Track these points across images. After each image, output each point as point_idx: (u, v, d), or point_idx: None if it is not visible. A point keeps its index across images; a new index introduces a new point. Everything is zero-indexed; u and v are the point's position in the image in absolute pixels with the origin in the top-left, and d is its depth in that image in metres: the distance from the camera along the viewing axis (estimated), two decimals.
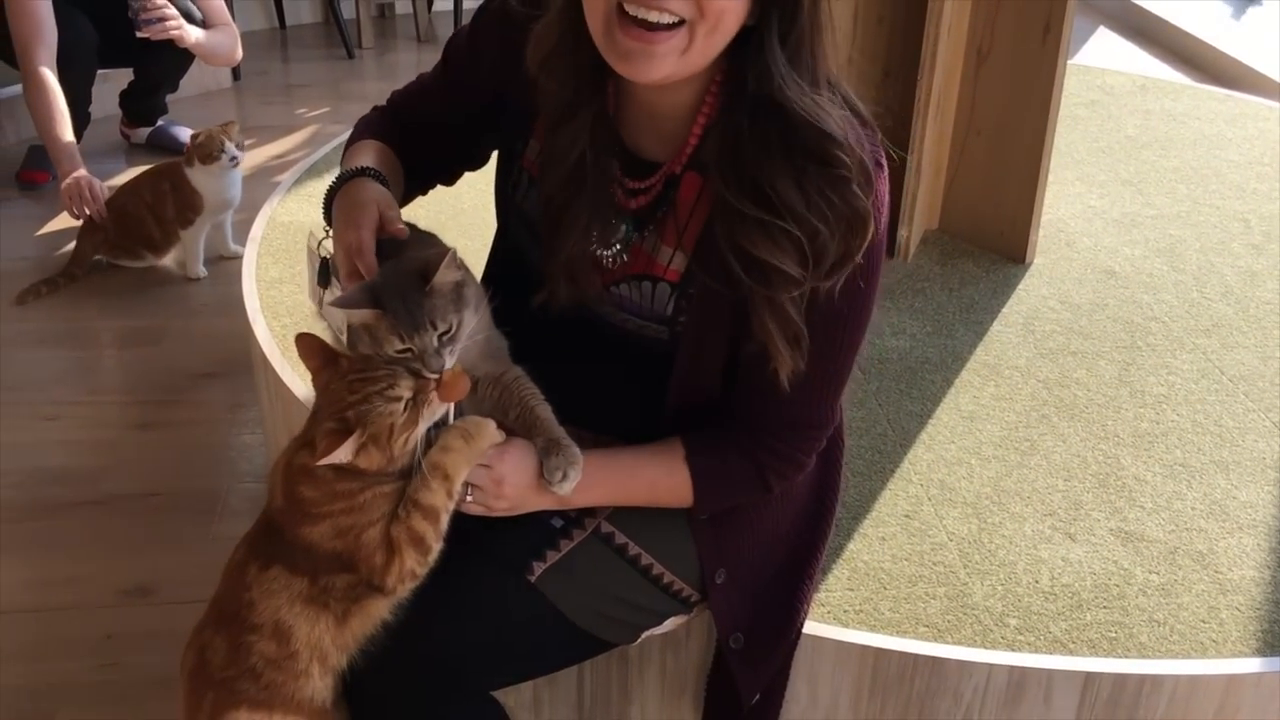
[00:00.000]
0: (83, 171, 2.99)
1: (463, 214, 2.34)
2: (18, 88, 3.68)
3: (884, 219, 1.24)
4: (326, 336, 1.49)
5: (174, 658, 1.90)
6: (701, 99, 1.23)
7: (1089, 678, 1.48)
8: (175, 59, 3.51)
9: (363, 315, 1.18)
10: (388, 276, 1.19)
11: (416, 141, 1.46)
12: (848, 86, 1.23)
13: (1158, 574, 1.64)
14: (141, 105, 3.78)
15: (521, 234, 1.40)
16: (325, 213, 1.36)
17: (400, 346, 1.16)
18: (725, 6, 1.11)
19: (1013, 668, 1.49)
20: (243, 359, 2.73)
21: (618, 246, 1.30)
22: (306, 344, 1.20)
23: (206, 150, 2.92)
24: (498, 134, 1.42)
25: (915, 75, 2.30)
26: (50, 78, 3.04)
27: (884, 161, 1.24)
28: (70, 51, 3.17)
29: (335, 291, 1.47)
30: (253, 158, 3.85)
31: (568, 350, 1.36)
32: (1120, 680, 1.47)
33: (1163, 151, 3.06)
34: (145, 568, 2.14)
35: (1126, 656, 1.51)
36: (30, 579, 2.11)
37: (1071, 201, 2.75)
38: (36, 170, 3.58)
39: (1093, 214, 2.70)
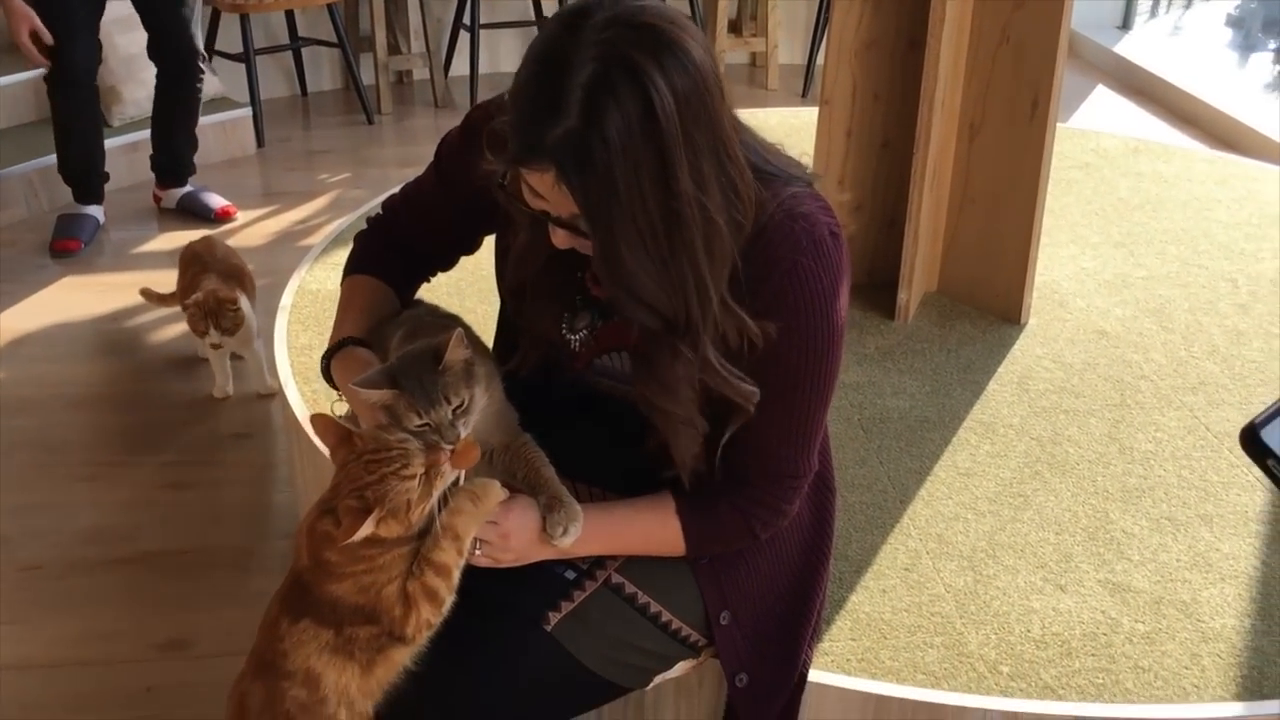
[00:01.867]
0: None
1: (481, 280, 2.46)
2: (49, 159, 3.89)
3: (843, 283, 1.32)
4: None
5: (211, 708, 2.01)
6: None
7: None
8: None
9: (382, 395, 1.29)
10: (404, 360, 1.32)
11: (415, 241, 1.57)
12: (777, 154, 1.32)
13: (1143, 623, 1.74)
14: (169, 159, 3.93)
15: (514, 308, 1.49)
16: (325, 378, 1.52)
17: (419, 421, 1.28)
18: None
19: (1006, 713, 1.58)
20: (270, 421, 2.85)
21: (584, 332, 1.42)
22: (322, 424, 1.31)
23: (194, 325, 2.76)
24: (491, 221, 1.50)
25: (912, 147, 2.43)
26: None
27: (838, 230, 1.31)
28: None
29: None
30: (277, 224, 4.00)
31: (572, 413, 1.46)
32: None
33: (1154, 213, 3.17)
34: (182, 622, 2.23)
35: (1113, 701, 1.60)
36: (72, 634, 2.21)
37: (1065, 263, 2.87)
38: (68, 239, 3.75)
39: (1085, 275, 2.82)
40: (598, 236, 1.18)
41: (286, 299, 2.60)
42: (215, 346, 2.78)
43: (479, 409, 1.32)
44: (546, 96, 1.14)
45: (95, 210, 3.88)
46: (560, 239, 1.25)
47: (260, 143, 4.64)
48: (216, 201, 3.97)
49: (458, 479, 1.32)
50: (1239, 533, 1.94)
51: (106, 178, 3.84)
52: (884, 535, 1.92)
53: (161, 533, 2.49)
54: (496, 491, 1.32)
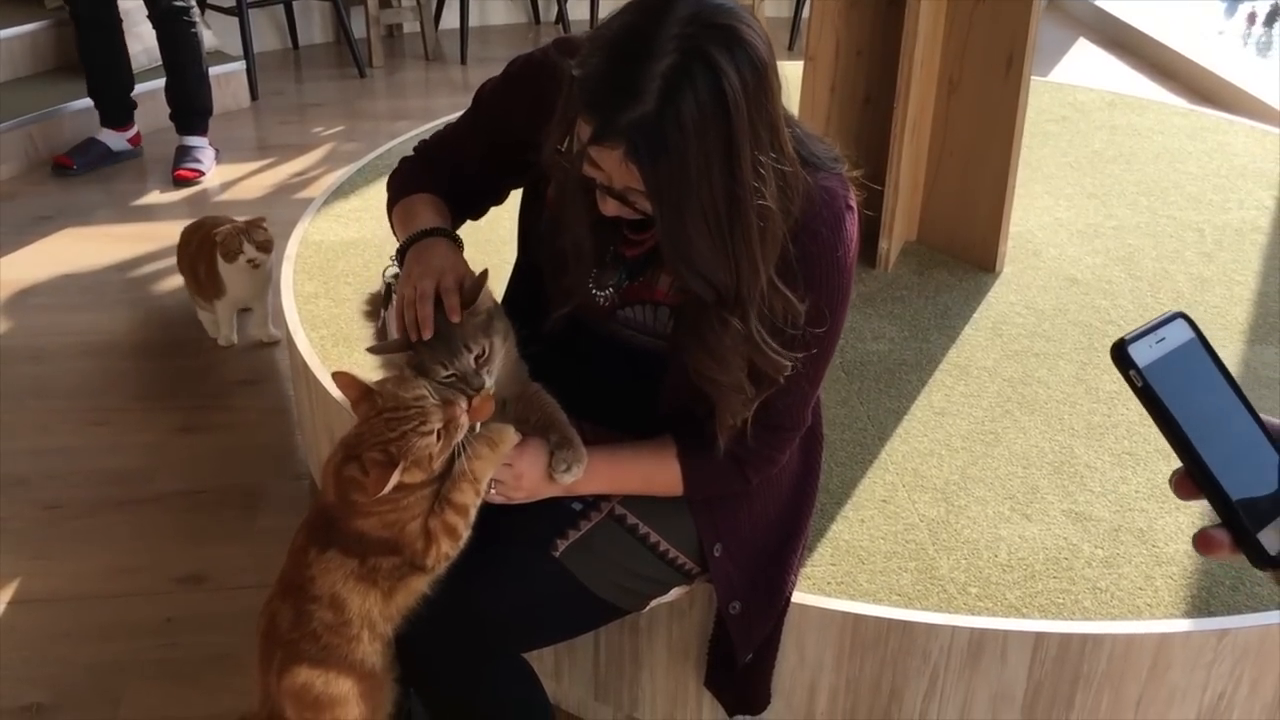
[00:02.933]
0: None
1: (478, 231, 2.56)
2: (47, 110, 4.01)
3: (853, 254, 1.43)
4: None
5: (228, 637, 2.15)
6: None
7: (1039, 637, 1.70)
8: None
9: (406, 355, 1.38)
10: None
11: (450, 186, 1.62)
12: (817, 142, 1.43)
13: (1102, 549, 1.87)
14: (171, 107, 4.02)
15: (544, 260, 1.58)
16: (399, 256, 1.52)
17: (445, 373, 1.36)
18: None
19: (973, 629, 1.71)
20: (277, 368, 2.96)
21: (610, 290, 1.50)
22: (344, 380, 1.39)
23: (227, 248, 2.83)
24: (524, 173, 1.58)
25: (893, 102, 2.53)
26: None
27: (853, 204, 1.44)
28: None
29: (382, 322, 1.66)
30: (273, 176, 4.08)
31: (584, 361, 1.56)
32: (1066, 639, 1.70)
33: (1127, 165, 3.28)
34: (197, 557, 2.35)
35: (1072, 619, 1.73)
36: (94, 569, 2.32)
37: (1039, 213, 2.98)
38: (63, 156, 3.97)
39: (1058, 225, 2.93)
40: (665, 214, 1.27)
41: (291, 248, 2.69)
42: (252, 263, 2.82)
43: (500, 358, 1.40)
44: (626, 80, 1.21)
45: (108, 135, 4.01)
46: (610, 207, 1.34)
47: (254, 96, 4.70)
48: (186, 163, 4.00)
49: (475, 425, 1.41)
50: None
51: (123, 108, 4.01)
52: (863, 470, 2.05)
53: (175, 474, 2.59)
54: (511, 436, 1.41)
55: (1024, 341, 2.43)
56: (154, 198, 3.90)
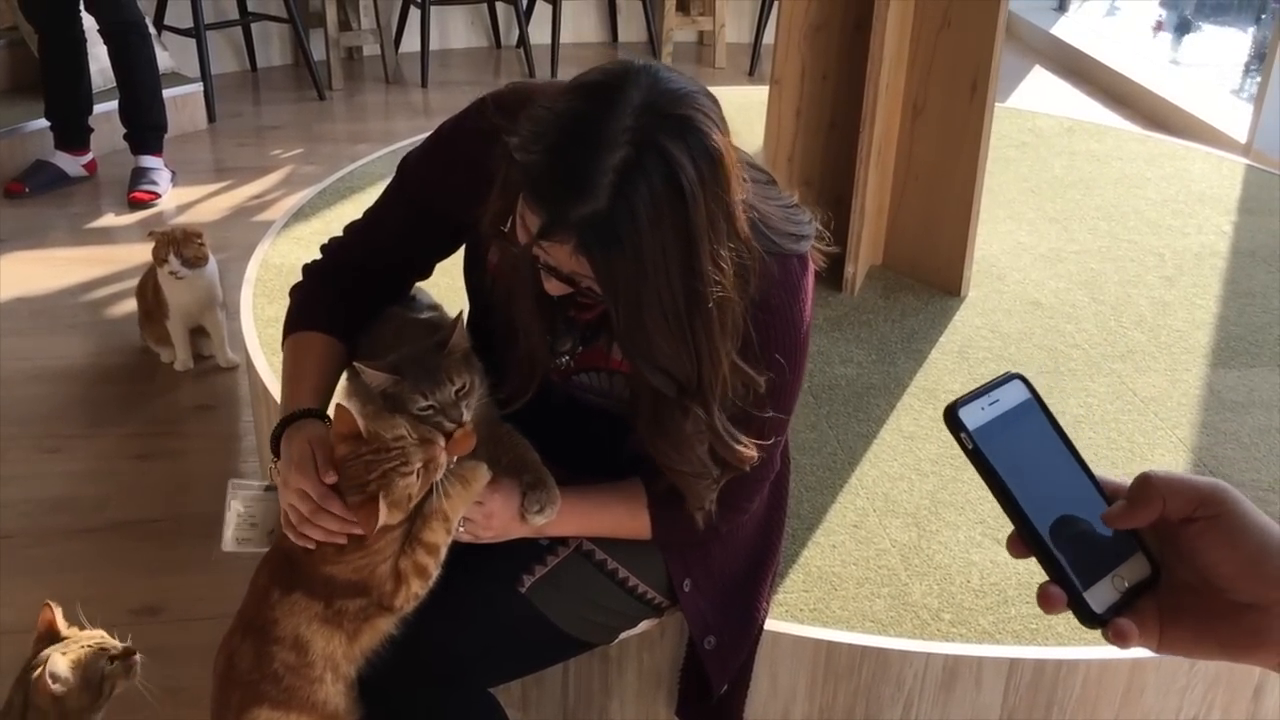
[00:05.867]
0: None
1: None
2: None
3: (809, 306, 1.41)
4: None
5: (185, 670, 2.08)
6: None
7: (1013, 664, 1.69)
8: None
9: (386, 380, 1.35)
10: (404, 354, 1.38)
11: (380, 271, 1.56)
12: (778, 214, 1.36)
13: None
14: (125, 125, 3.96)
15: (494, 329, 1.49)
16: (273, 446, 1.45)
17: (423, 404, 1.33)
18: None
19: (947, 656, 1.69)
20: (235, 393, 2.90)
21: (566, 358, 1.45)
22: (343, 414, 1.35)
23: (156, 253, 2.77)
24: (453, 245, 1.54)
25: (858, 128, 2.53)
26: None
27: (809, 262, 1.40)
28: None
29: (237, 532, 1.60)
30: (230, 199, 4.02)
31: (545, 416, 1.49)
32: (1040, 665, 1.69)
33: (1087, 190, 3.31)
34: (152, 588, 2.29)
35: (1046, 645, 1.72)
36: (44, 600, 2.25)
37: (1003, 238, 2.99)
38: (13, 181, 3.90)
39: (1021, 250, 2.94)
40: (620, 309, 1.22)
41: (251, 271, 2.65)
42: (174, 275, 2.76)
43: (478, 395, 1.38)
44: (576, 174, 1.15)
45: (62, 159, 3.96)
46: (554, 287, 1.29)
47: (211, 118, 4.65)
48: (142, 185, 3.94)
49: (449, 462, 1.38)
50: None
51: (80, 129, 3.96)
52: (833, 495, 2.03)
53: (129, 502, 2.53)
54: (484, 474, 1.37)
55: (990, 365, 2.43)
56: (109, 220, 3.84)
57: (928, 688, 1.70)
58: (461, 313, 1.40)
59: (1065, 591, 0.69)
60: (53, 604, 1.56)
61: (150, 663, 2.10)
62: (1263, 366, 2.44)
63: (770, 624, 1.68)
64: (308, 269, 1.60)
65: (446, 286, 1.63)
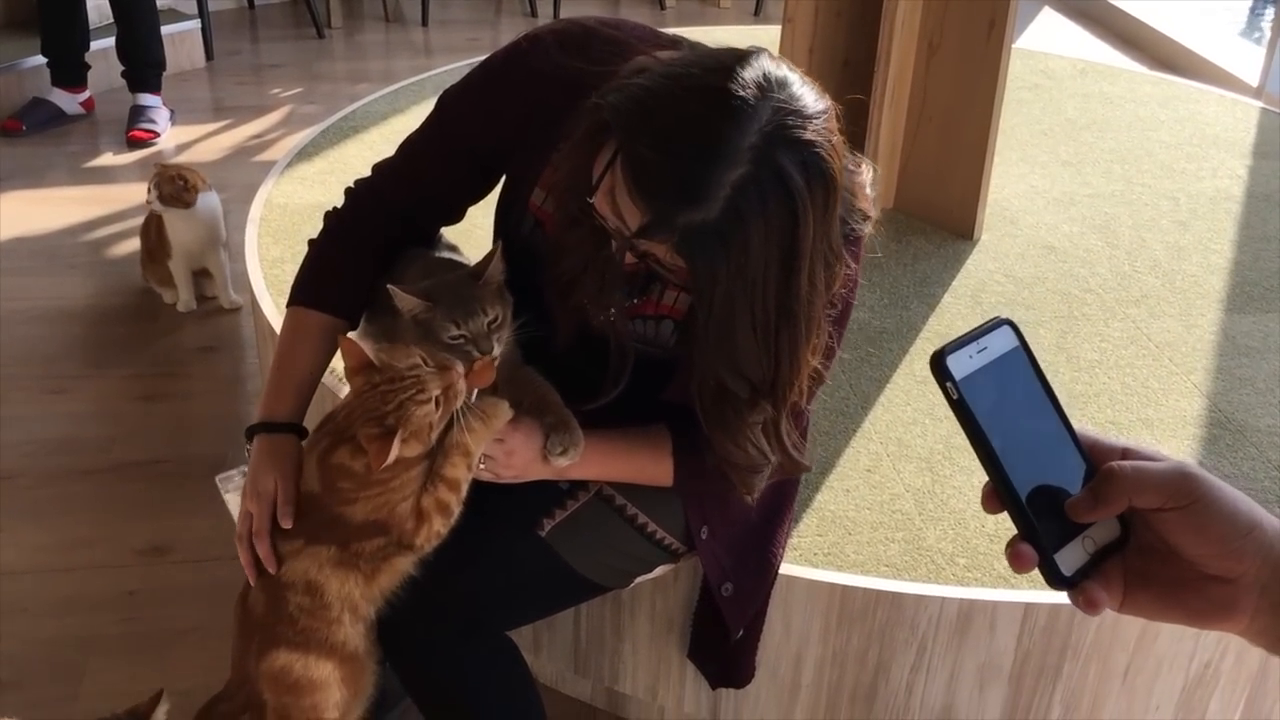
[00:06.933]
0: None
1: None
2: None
3: (854, 279, 1.37)
4: None
5: (192, 610, 2.08)
6: None
7: (1028, 608, 1.68)
8: None
9: (419, 305, 1.32)
10: (438, 281, 1.35)
11: (411, 216, 1.52)
12: (852, 205, 1.31)
13: None
14: (123, 64, 3.90)
15: (524, 261, 1.44)
16: (248, 437, 1.47)
17: (455, 333, 1.31)
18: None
19: (962, 600, 1.68)
20: (239, 335, 2.88)
21: (613, 311, 1.39)
22: (350, 347, 1.33)
23: (150, 186, 2.79)
24: (494, 180, 1.49)
25: (872, 67, 2.49)
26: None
27: (860, 234, 1.36)
28: None
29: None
30: (230, 138, 3.97)
31: (590, 365, 1.45)
32: (1054, 610, 1.68)
33: (1100, 133, 3.27)
34: (159, 529, 2.28)
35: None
36: (51, 542, 2.25)
37: (1016, 182, 2.95)
38: (10, 118, 3.85)
39: (1035, 193, 2.91)
40: (711, 315, 1.21)
41: (255, 212, 2.61)
42: (148, 203, 2.77)
43: (509, 329, 1.36)
44: (691, 181, 1.13)
45: (59, 96, 3.90)
46: (630, 261, 1.26)
47: (209, 56, 4.58)
48: (140, 124, 3.88)
49: (469, 397, 1.36)
50: (1177, 435, 2.06)
51: (77, 67, 3.90)
52: (847, 440, 2.02)
53: (133, 443, 2.52)
54: (505, 410, 1.35)
55: (1004, 310, 2.40)
56: (108, 159, 3.79)
57: (942, 632, 1.70)
58: (500, 243, 1.36)
59: (1036, 551, 0.67)
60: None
61: (157, 605, 2.12)
62: (1278, 312, 2.42)
63: (785, 568, 1.67)
64: (329, 222, 1.54)
65: (459, 226, 1.60)
